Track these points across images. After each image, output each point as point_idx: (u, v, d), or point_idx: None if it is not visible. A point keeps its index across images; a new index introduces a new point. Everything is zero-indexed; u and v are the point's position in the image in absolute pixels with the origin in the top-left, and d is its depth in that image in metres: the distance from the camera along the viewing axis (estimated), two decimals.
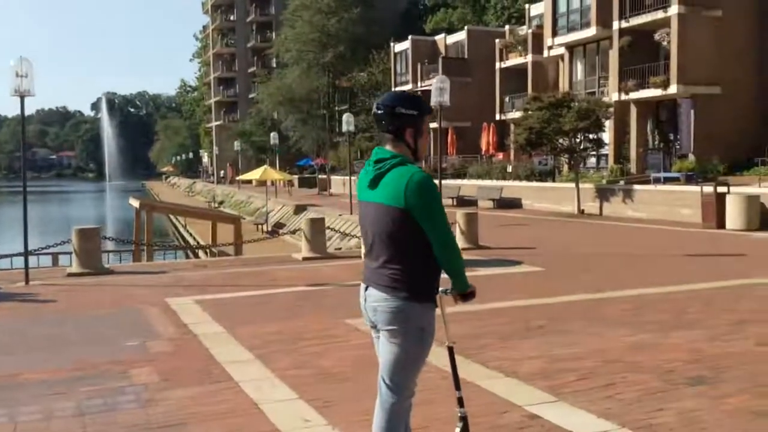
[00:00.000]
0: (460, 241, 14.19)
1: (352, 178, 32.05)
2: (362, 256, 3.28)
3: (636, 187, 22.67)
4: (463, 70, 43.34)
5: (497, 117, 38.98)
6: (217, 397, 5.06)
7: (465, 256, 12.17)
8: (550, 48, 32.90)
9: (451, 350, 3.34)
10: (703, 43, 25.19)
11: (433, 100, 13.19)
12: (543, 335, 6.68)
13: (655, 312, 7.66)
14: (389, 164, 3.02)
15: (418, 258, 3.01)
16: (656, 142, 27.76)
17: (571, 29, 30.75)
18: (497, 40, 40.25)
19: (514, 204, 26.96)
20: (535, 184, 27.01)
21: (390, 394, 3.13)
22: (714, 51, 25.28)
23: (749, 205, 16.93)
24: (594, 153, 29.73)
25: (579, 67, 32.11)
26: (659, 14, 25.80)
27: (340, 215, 23.80)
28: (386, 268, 3.04)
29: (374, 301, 3.09)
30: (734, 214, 17.05)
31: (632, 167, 27.21)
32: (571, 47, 31.61)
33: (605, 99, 27.01)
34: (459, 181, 32.01)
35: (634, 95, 27.07)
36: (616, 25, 27.76)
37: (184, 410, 4.79)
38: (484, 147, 36.69)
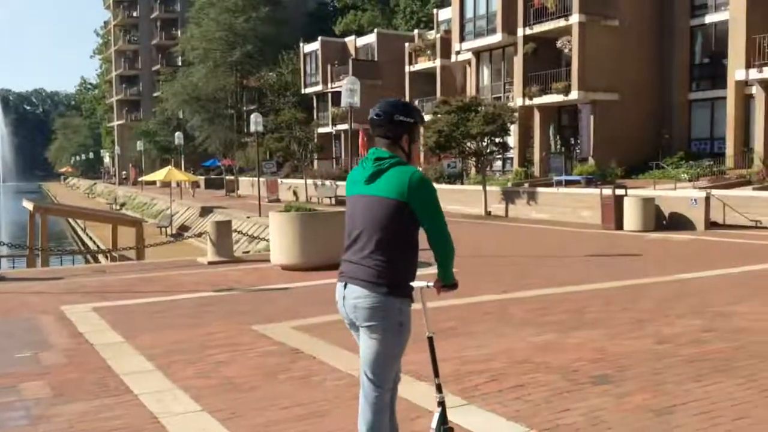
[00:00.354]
0: None
1: (260, 179, 31.58)
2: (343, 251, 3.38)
3: (539, 189, 23.35)
4: (373, 73, 43.49)
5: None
6: (114, 411, 4.77)
7: None
8: (457, 53, 33.49)
9: (430, 340, 3.44)
10: (602, 51, 26.26)
11: (344, 101, 13.11)
12: (454, 337, 6.69)
13: (559, 312, 7.84)
14: (389, 163, 3.19)
15: (401, 252, 3.18)
16: (558, 146, 28.73)
17: (477, 35, 31.40)
18: (407, 44, 40.66)
19: None
20: (444, 186, 27.35)
21: (373, 387, 3.27)
22: (612, 59, 26.40)
23: (645, 207, 17.72)
24: (500, 156, 30.43)
25: (486, 72, 32.82)
26: (561, 22, 26.72)
27: (248, 217, 23.34)
28: (370, 258, 3.15)
29: (355, 297, 3.19)
30: (631, 216, 17.81)
31: (536, 170, 28.06)
32: (478, 52, 32.27)
33: (510, 104, 27.72)
34: None
35: (537, 100, 27.91)
36: (520, 32, 28.55)
37: (77, 426, 4.49)
38: (361, 151, 36.89)
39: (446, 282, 3.36)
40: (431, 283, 3.33)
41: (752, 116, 22.85)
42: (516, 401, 4.79)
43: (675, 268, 11.04)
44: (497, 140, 22.68)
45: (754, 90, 22.41)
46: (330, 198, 32.94)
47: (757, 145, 21.94)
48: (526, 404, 4.73)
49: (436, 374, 3.46)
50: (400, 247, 3.19)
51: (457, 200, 25.97)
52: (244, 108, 55.01)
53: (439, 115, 23.17)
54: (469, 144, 22.84)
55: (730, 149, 23.58)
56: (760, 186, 19.81)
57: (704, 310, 7.79)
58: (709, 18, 26.28)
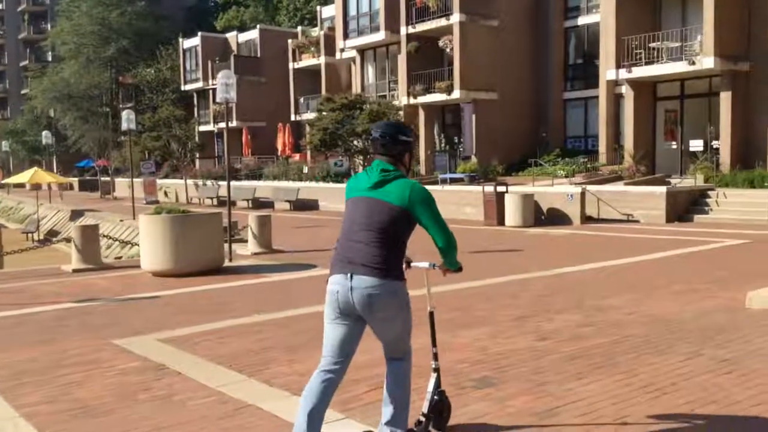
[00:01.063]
0: (253, 245, 13.60)
1: (137, 180, 30.06)
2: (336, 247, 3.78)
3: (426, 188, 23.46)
4: (257, 70, 42.58)
5: (293, 117, 38.74)
6: None
7: (258, 261, 11.45)
8: (342, 50, 33.25)
9: (431, 314, 4.22)
10: (483, 50, 26.76)
11: (219, 97, 12.48)
12: None
13: (446, 310, 7.67)
14: (393, 175, 3.66)
15: (394, 247, 3.64)
16: (443, 145, 29.06)
17: (361, 33, 31.27)
18: (290, 41, 40.01)
19: (311, 205, 26.78)
20: (331, 185, 27.02)
21: (403, 364, 3.84)
22: (492, 58, 26.95)
23: (525, 204, 18.11)
24: None
25: (371, 71, 32.75)
26: (443, 21, 27.00)
27: (121, 221, 22.03)
28: (375, 252, 3.56)
29: (366, 286, 3.53)
30: (512, 212, 18.15)
31: (422, 168, 28.25)
32: (362, 50, 32.14)
33: (395, 102, 27.77)
34: (254, 183, 31.24)
35: (422, 99, 28.10)
36: (403, 30, 28.64)
37: None
38: (280, 148, 36.23)
39: (452, 267, 3.93)
40: (436, 264, 3.97)
41: (622, 115, 23.94)
42: None
43: (554, 262, 11.22)
44: None
45: (624, 89, 23.48)
46: (212, 199, 31.83)
47: (627, 142, 22.99)
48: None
49: (434, 344, 4.17)
50: (397, 243, 3.65)
51: (344, 199, 25.72)
52: (120, 106, 52.32)
53: (323, 113, 22.80)
54: (355, 142, 22.61)
55: (602, 146, 24.62)
56: (631, 181, 20.74)
57: (582, 304, 7.85)
58: (582, 20, 27.35)
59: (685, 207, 18.19)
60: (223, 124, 42.52)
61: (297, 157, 35.87)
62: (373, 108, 21.90)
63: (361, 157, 23.43)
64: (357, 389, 4.98)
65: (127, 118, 20.61)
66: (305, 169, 29.24)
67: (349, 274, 3.56)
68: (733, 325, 6.68)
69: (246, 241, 14.14)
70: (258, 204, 28.86)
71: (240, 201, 29.60)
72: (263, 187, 29.70)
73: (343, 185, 27.45)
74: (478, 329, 6.75)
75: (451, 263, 3.90)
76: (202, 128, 43.64)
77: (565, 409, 4.47)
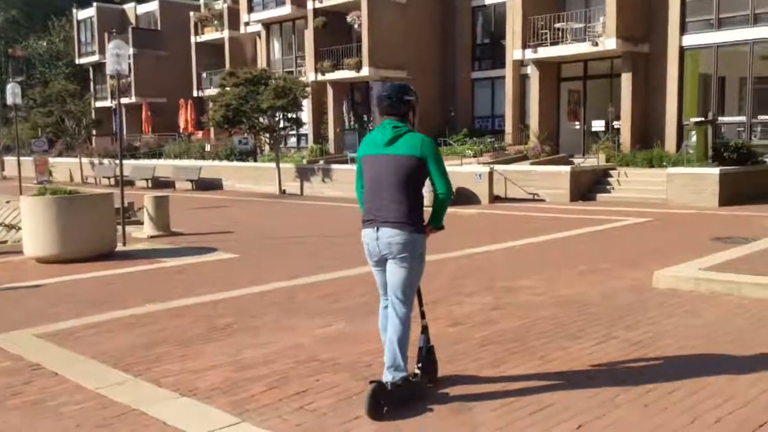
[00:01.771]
0: (149, 228, 12.81)
1: (25, 158, 28.12)
2: (362, 204, 4.25)
3: (334, 166, 23.01)
4: (157, 43, 40.76)
5: (195, 93, 37.30)
6: None
7: (154, 245, 10.70)
8: (246, 24, 32.16)
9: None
10: (392, 27, 26.41)
11: (109, 68, 11.57)
12: (231, 335, 5.87)
13: (353, 296, 7.31)
14: (404, 130, 4.09)
15: (416, 198, 4.09)
16: (352, 123, 28.62)
17: (266, 6, 30.32)
18: (192, 13, 38.39)
19: (214, 185, 25.82)
20: (235, 163, 26.15)
21: (402, 306, 4.14)
22: (401, 36, 26.66)
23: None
24: (294, 133, 29.78)
25: (276, 46, 31.85)
26: None
27: (8, 202, 20.43)
28: (397, 205, 4.03)
29: (388, 236, 4.06)
30: None
31: (331, 147, 27.75)
32: (267, 24, 31.19)
33: (303, 79, 27.08)
34: (154, 161, 29.86)
35: (330, 76, 27.53)
36: (310, 4, 27.93)
37: None
38: (182, 125, 34.82)
39: (438, 225, 4.27)
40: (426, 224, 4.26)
41: (528, 95, 24.21)
42: (298, 412, 4.11)
43: (464, 242, 11.05)
44: (290, 115, 21.91)
45: (530, 70, 23.72)
46: (109, 178, 30.22)
47: (532, 122, 23.27)
48: (309, 415, 4.06)
49: (421, 304, 4.48)
50: (416, 195, 4.10)
51: (250, 178, 24.91)
52: (10, 80, 48.98)
53: (226, 88, 21.89)
54: (260, 119, 21.84)
55: (509, 126, 24.84)
56: (536, 161, 21.01)
57: (493, 285, 7.68)
58: (489, 0, 27.41)
59: (588, 186, 18.55)
60: (122, 100, 40.48)
61: (200, 134, 34.57)
62: (278, 84, 21.14)
63: (267, 135, 22.62)
64: (253, 388, 4.54)
65: (12, 92, 19.08)
66: (208, 147, 28.16)
67: (376, 228, 4.11)
68: (642, 305, 6.64)
69: (142, 224, 13.30)
70: (158, 184, 27.59)
71: (139, 181, 28.24)
72: (163, 166, 28.41)
73: (249, 164, 26.65)
74: None
75: (438, 221, 4.25)
76: (99, 104, 41.43)
77: (482, 404, 4.19)
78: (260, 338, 5.75)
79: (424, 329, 4.42)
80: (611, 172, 19.08)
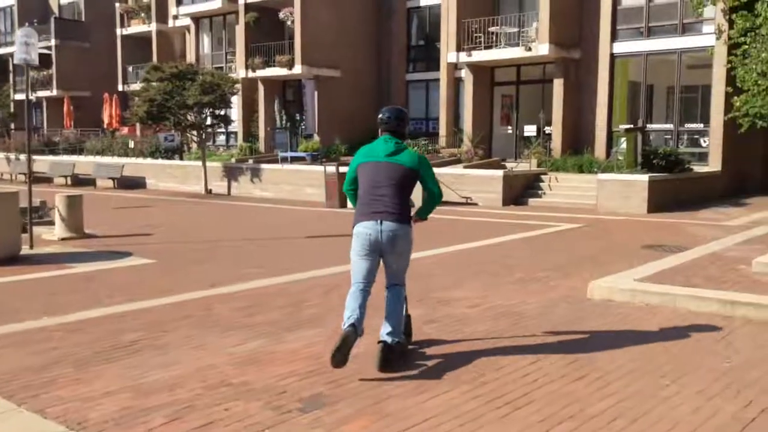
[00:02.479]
0: (61, 230, 11.94)
1: None
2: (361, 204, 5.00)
3: (263, 166, 22.35)
4: (81, 34, 39.04)
5: (120, 88, 35.82)
6: None
7: (64, 248, 9.84)
8: (175, 17, 31.07)
9: None
10: (325, 25, 25.88)
11: (17, 57, 10.72)
12: (135, 353, 5.29)
13: (272, 309, 6.81)
14: (404, 146, 5.04)
15: (407, 199, 4.98)
16: (284, 122, 27.93)
17: None
18: (117, 4, 36.88)
19: (137, 183, 24.75)
20: (160, 161, 25.13)
21: (402, 288, 5.08)
22: (335, 35, 26.15)
23: None
24: (223, 130, 28.89)
25: (206, 41, 30.86)
26: None
27: None
28: (395, 204, 4.87)
29: (391, 229, 4.83)
30: None
31: (261, 146, 27.00)
32: (197, 18, 30.17)
33: (233, 75, 26.26)
34: (74, 158, 28.47)
35: (261, 73, 26.79)
36: None
37: None
38: (106, 120, 33.31)
39: (423, 216, 5.17)
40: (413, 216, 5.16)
41: (462, 98, 24.08)
42: None
43: None
44: (217, 112, 21.12)
45: (464, 74, 23.60)
46: (25, 174, 28.57)
47: (466, 126, 23.15)
48: None
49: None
50: (408, 197, 4.98)
51: (175, 177, 23.98)
52: None
53: (151, 83, 20.94)
54: (186, 115, 20.97)
55: (443, 129, 24.66)
56: (469, 164, 20.87)
57: (426, 296, 7.29)
58: (425, 1, 27.21)
59: (520, 191, 18.50)
60: (42, 93, 38.62)
61: (126, 130, 33.20)
62: (206, 79, 20.32)
63: (194, 132, 21.75)
64: (151, 419, 4.00)
65: None
66: (132, 144, 26.99)
67: (379, 221, 4.82)
68: (579, 318, 6.38)
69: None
70: (78, 181, 26.29)
71: (58, 178, 26.85)
72: (84, 163, 27.10)
73: (174, 162, 25.64)
74: (310, 330, 5.95)
75: (426, 213, 5.17)
76: (19, 96, 39.33)
77: None
78: (168, 357, 5.19)
79: (405, 298, 5.16)
80: (542, 177, 19.09)
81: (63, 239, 11.68)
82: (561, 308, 6.77)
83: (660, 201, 15.80)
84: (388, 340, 4.84)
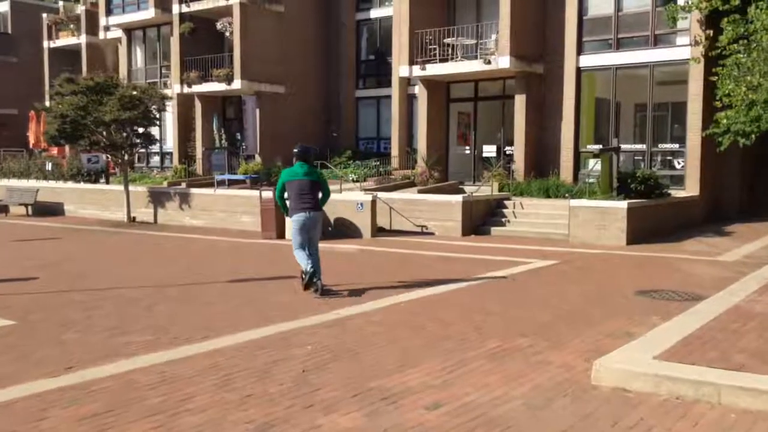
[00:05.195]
0: None
1: None
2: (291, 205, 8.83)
3: (193, 191, 20.00)
4: (7, 48, 36.36)
5: (48, 104, 32.98)
6: None
7: None
8: (106, 29, 28.65)
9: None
10: (268, 38, 23.83)
11: None
12: None
13: (136, 416, 4.58)
14: (313, 169, 8.97)
15: (318, 197, 8.91)
16: (223, 141, 25.62)
17: (127, 9, 26.98)
18: (45, 15, 34.18)
19: (54, 210, 22.12)
20: (79, 185, 22.55)
21: (315, 249, 8.90)
22: (279, 49, 24.14)
23: None
24: (157, 151, 26.48)
25: (139, 53, 28.46)
26: (221, 1, 23.69)
27: None
28: (314, 201, 8.79)
29: (313, 216, 8.75)
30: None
31: (198, 168, 24.62)
32: (129, 30, 27.82)
33: (168, 91, 23.92)
34: None
35: (198, 88, 24.55)
36: (176, 8, 24.98)
37: None
38: (32, 139, 30.44)
39: (322, 205, 9.11)
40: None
41: (416, 116, 22.16)
42: None
43: (330, 298, 8.52)
44: (140, 130, 18.74)
45: (417, 89, 21.71)
46: None
47: (420, 145, 21.20)
48: None
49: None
50: (318, 196, 8.90)
51: (96, 203, 21.44)
52: None
53: (66, 97, 18.47)
54: (104, 134, 18.53)
55: (395, 149, 22.70)
56: (424, 188, 18.91)
57: (363, 385, 5.15)
58: (375, 13, 25.34)
59: (482, 218, 16.55)
60: None
61: (55, 151, 30.38)
62: (125, 93, 17.93)
63: (116, 153, 19.27)
64: None
65: None
66: (49, 166, 24.31)
67: (308, 212, 8.70)
68: (589, 427, 4.32)
69: None
70: None
71: None
72: None
73: (95, 186, 22.97)
74: None
75: (324, 204, 9.12)
76: None
77: None
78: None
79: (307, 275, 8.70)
80: (506, 202, 17.19)
81: None
82: (559, 407, 4.71)
83: (639, 231, 14.02)
84: (314, 276, 8.60)
